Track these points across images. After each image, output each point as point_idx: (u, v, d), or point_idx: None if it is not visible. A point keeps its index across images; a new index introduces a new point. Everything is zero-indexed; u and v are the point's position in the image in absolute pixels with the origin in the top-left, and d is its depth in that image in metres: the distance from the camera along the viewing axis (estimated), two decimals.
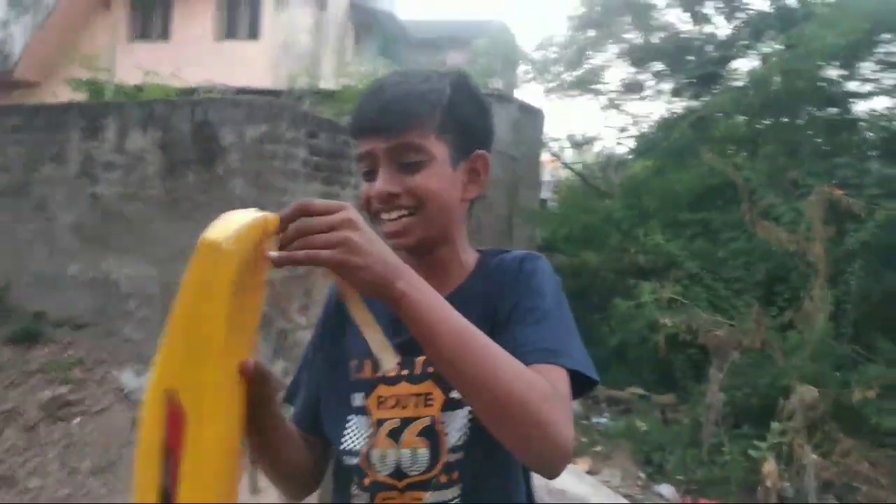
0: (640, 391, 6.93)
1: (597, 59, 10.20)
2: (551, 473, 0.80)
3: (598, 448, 5.62)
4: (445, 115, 0.92)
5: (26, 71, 12.59)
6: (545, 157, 14.01)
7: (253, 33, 14.35)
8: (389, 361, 0.78)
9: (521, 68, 12.41)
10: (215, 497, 0.70)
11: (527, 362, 0.80)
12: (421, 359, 0.92)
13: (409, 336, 0.91)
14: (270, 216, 0.73)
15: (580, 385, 0.87)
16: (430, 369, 0.92)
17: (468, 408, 0.89)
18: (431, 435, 0.90)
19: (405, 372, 0.94)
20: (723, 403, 5.13)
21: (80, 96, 7.52)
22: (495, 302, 0.92)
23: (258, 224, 0.71)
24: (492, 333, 0.81)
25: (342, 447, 0.96)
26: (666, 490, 4.92)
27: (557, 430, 0.75)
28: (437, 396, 0.91)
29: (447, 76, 0.97)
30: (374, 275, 0.72)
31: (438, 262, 0.98)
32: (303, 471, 1.03)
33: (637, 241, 7.21)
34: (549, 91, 10.82)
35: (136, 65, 9.94)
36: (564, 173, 14.58)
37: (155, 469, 0.65)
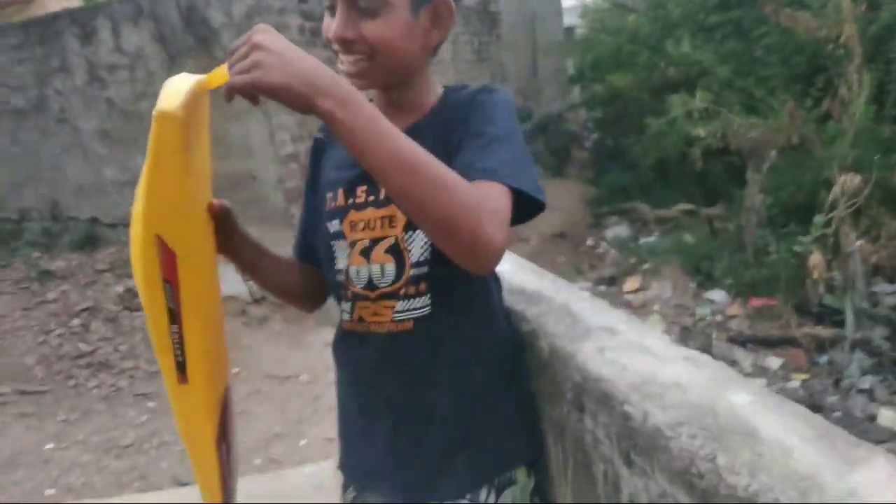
0: (686, 207, 6.90)
1: None
2: (479, 269, 0.84)
3: (647, 266, 5.74)
4: None
5: None
6: None
7: None
8: None
9: None
10: (207, 308, 0.90)
11: (469, 180, 0.81)
12: None
13: (362, 170, 0.96)
14: (204, 76, 0.81)
15: (528, 208, 0.90)
16: None
17: None
18: (396, 252, 0.97)
19: (371, 198, 1.00)
20: (767, 205, 5.07)
21: (74, 3, 7.34)
22: (447, 133, 0.94)
23: (198, 86, 0.79)
24: (448, 157, 0.86)
25: (330, 268, 1.06)
26: (717, 295, 5.03)
27: (482, 230, 0.78)
28: (400, 218, 0.97)
29: None
30: (294, 93, 0.73)
31: (400, 100, 1.01)
32: (297, 291, 1.18)
33: (665, 55, 6.84)
34: None
35: None
36: None
37: (160, 297, 0.81)
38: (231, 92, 0.74)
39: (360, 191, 1.01)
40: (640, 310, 5.04)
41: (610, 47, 8.42)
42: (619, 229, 7.12)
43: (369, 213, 0.99)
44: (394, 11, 0.90)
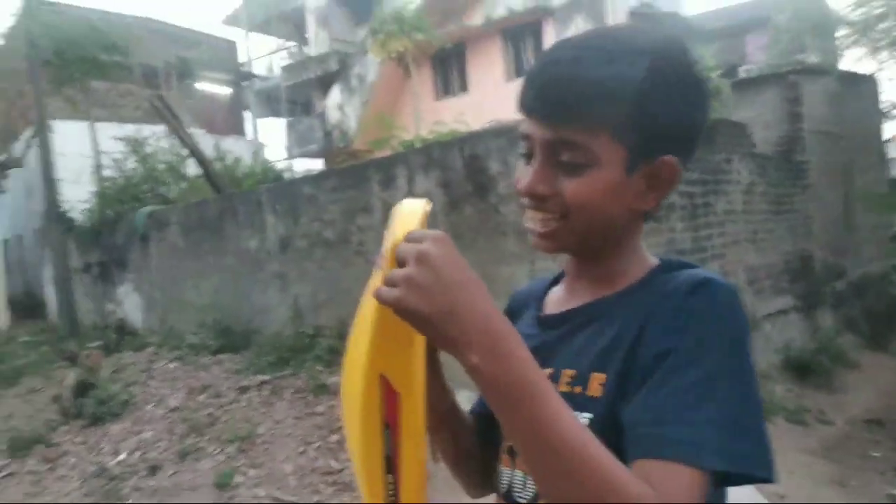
0: None
1: None
2: None
3: None
4: (629, 112, 0.73)
5: (360, 142, 14.90)
6: (894, 129, 11.72)
7: None
8: None
9: (840, 34, 10.60)
10: (424, 457, 0.80)
11: (646, 452, 0.64)
12: (548, 372, 0.80)
13: (540, 341, 0.84)
14: (427, 204, 0.77)
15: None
16: (562, 388, 0.79)
17: None
18: None
19: None
20: None
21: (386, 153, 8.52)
22: (639, 328, 0.74)
23: (426, 217, 0.75)
24: (625, 367, 0.71)
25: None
26: None
27: None
28: None
29: (648, 54, 0.74)
30: (434, 331, 0.62)
31: (595, 269, 0.85)
32: (468, 463, 0.98)
33: None
34: (876, 51, 9.02)
35: (439, 119, 11.08)
36: None
37: (378, 444, 0.73)
38: (377, 299, 0.65)
39: None
40: None
41: None
42: None
43: None
44: (603, 169, 0.74)
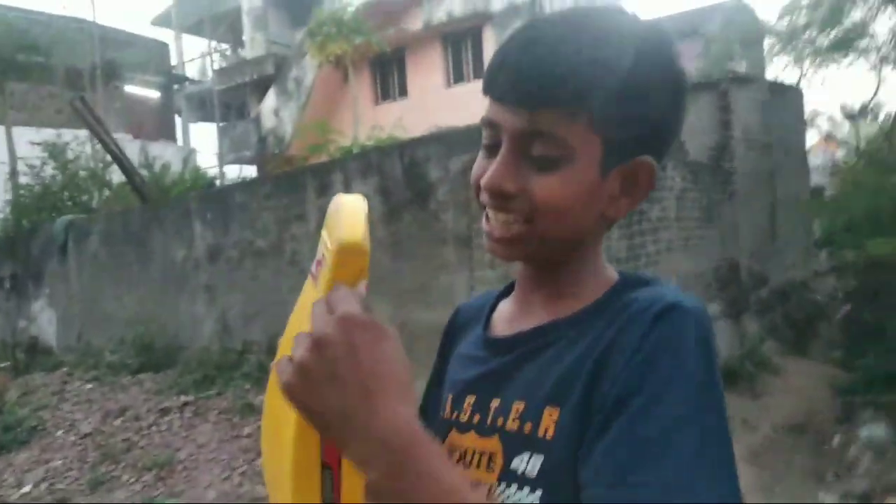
0: None
1: (857, 12, 8.59)
2: None
3: None
4: (612, 99, 0.64)
5: (296, 148, 14.57)
6: (813, 138, 12.25)
7: (478, 73, 14.91)
8: None
9: (767, 43, 11.01)
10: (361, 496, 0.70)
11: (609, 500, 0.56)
12: (495, 404, 0.72)
13: (488, 368, 0.76)
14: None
15: None
16: (500, 421, 0.71)
17: (538, 493, 0.65)
18: None
19: (476, 418, 0.75)
20: None
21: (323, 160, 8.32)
22: (601, 357, 0.65)
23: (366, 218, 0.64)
24: (583, 402, 0.63)
25: None
26: None
27: None
28: (499, 461, 0.70)
29: (634, 40, 0.66)
30: (325, 434, 0.54)
31: (553, 282, 0.76)
32: None
33: None
34: (800, 60, 9.38)
35: (377, 124, 10.94)
36: (842, 153, 12.62)
37: (315, 488, 0.64)
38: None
39: (468, 402, 0.76)
40: None
41: (867, 209, 7.38)
42: (876, 428, 5.74)
43: (469, 439, 0.74)
44: (577, 166, 0.66)
